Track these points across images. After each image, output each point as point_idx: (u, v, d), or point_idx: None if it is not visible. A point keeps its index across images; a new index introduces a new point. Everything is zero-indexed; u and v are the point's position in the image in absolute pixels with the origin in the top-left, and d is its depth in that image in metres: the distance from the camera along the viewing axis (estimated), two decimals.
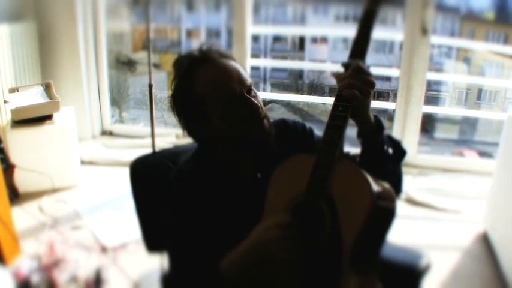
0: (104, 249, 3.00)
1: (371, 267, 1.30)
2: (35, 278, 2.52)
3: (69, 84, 4.57)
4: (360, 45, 1.35)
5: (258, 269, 1.27)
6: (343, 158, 1.35)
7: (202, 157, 1.53)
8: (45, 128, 3.65)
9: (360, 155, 1.44)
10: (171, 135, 4.73)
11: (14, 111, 3.57)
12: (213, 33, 6.56)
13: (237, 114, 1.40)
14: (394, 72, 4.71)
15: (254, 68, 5.28)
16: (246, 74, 1.47)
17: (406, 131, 4.27)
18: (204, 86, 1.42)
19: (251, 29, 4.51)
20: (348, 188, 1.26)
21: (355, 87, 1.29)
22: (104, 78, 4.87)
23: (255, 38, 5.67)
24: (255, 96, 1.45)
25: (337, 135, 1.29)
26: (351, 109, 1.31)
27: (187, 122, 1.49)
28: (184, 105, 1.47)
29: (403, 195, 3.66)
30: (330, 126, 1.30)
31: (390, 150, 1.43)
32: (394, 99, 4.36)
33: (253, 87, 1.46)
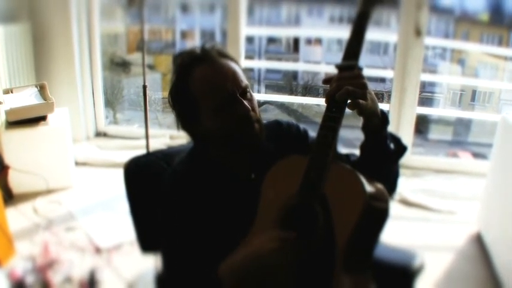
0: (98, 250, 2.99)
1: (364, 267, 1.31)
2: (30, 279, 2.52)
3: (64, 85, 4.57)
4: (354, 47, 1.34)
5: (256, 277, 1.27)
6: (337, 158, 1.35)
7: (196, 158, 1.53)
8: (40, 129, 3.65)
9: (362, 148, 1.44)
10: (165, 136, 4.73)
11: (8, 112, 3.57)
12: (207, 34, 6.57)
13: (227, 114, 1.40)
14: (388, 74, 4.71)
15: (248, 70, 5.27)
16: (243, 76, 1.46)
17: (400, 132, 4.27)
18: (198, 84, 1.42)
19: (245, 30, 4.52)
20: (341, 189, 1.26)
21: (347, 91, 1.29)
22: (98, 80, 4.86)
23: (249, 40, 5.68)
24: (250, 99, 1.44)
25: (330, 136, 1.29)
26: (344, 110, 1.31)
27: (181, 117, 1.49)
28: (179, 101, 1.47)
29: (397, 196, 3.67)
30: (324, 128, 1.30)
31: (392, 145, 1.43)
32: (388, 101, 4.36)
33: (249, 89, 1.46)
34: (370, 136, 1.41)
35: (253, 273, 1.27)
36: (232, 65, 1.46)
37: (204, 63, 1.43)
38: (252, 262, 1.27)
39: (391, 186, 1.47)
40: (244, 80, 1.45)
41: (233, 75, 1.43)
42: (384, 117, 1.41)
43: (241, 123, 1.41)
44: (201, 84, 1.41)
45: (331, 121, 1.30)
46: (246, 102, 1.41)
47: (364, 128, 1.40)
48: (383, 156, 1.42)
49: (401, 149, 1.46)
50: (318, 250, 1.28)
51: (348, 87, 1.28)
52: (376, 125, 1.39)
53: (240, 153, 1.49)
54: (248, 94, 1.45)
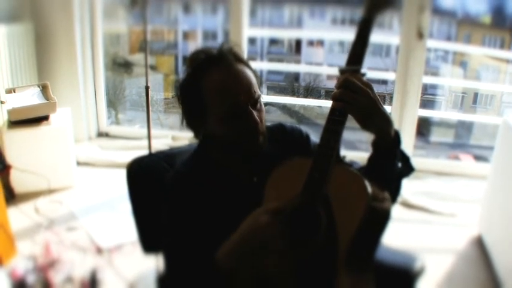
0: (99, 250, 3.00)
1: (366, 268, 1.31)
2: (31, 279, 2.52)
3: (66, 85, 4.57)
4: (358, 52, 1.34)
5: (252, 257, 1.29)
6: (340, 161, 1.36)
7: (199, 159, 1.53)
8: (42, 129, 3.65)
9: (369, 161, 1.43)
10: (167, 137, 4.74)
11: (11, 112, 3.57)
12: (210, 35, 6.57)
13: (235, 125, 1.40)
14: (390, 76, 4.72)
15: None
16: (257, 85, 1.44)
17: (401, 135, 4.26)
18: (211, 87, 1.40)
19: (247, 31, 4.52)
20: (344, 190, 1.27)
21: (344, 101, 1.30)
22: (100, 80, 4.87)
23: (252, 41, 5.69)
24: (260, 110, 1.44)
25: (333, 139, 1.29)
26: (347, 114, 1.31)
27: (187, 114, 1.48)
28: (188, 99, 1.46)
29: (398, 198, 3.67)
30: (327, 130, 1.31)
31: (399, 164, 1.42)
32: (390, 103, 4.36)
33: (260, 100, 1.45)
34: (378, 152, 1.41)
35: (248, 252, 1.29)
36: (248, 72, 1.44)
37: (219, 66, 1.41)
38: (247, 240, 1.29)
39: (394, 192, 1.46)
40: (257, 91, 1.43)
41: (247, 85, 1.41)
42: (395, 140, 1.40)
43: (247, 135, 1.41)
44: (214, 91, 1.40)
45: (334, 124, 1.30)
46: (255, 114, 1.40)
47: (374, 144, 1.40)
48: (388, 175, 1.41)
49: (408, 169, 1.46)
50: (320, 251, 1.29)
51: (343, 97, 1.30)
52: (385, 143, 1.38)
53: (241, 157, 1.49)
54: (258, 105, 1.44)
